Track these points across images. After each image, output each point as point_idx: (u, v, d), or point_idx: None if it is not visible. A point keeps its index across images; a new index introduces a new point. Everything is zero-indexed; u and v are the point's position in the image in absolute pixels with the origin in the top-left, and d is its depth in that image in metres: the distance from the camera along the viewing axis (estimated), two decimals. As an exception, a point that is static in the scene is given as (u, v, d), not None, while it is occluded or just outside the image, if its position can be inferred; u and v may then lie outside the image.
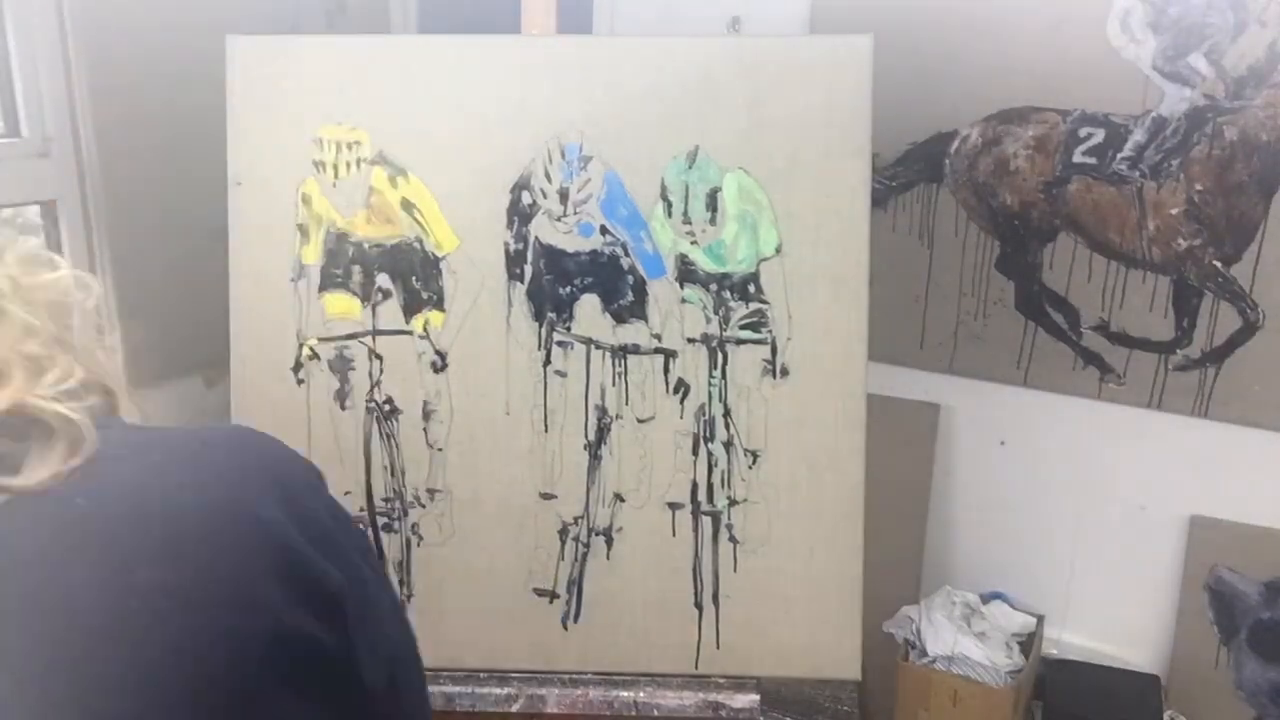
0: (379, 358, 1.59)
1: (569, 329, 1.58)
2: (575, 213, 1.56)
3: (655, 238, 1.55)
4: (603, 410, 1.58)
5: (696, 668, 1.62)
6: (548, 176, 1.56)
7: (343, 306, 1.60)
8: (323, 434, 1.61)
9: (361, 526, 1.60)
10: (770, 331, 1.55)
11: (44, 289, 0.64)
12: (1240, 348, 1.88)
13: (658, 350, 1.56)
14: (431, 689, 1.51)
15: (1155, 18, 1.83)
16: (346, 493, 1.61)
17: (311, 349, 1.60)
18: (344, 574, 0.63)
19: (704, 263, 1.55)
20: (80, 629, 0.53)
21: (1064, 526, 2.14)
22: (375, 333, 1.59)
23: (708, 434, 1.57)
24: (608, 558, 1.60)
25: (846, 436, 1.56)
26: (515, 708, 1.59)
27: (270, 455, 0.66)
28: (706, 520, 1.59)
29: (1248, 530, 1.94)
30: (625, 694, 1.59)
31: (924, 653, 2.05)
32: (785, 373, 1.56)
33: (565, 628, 1.62)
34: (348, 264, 1.59)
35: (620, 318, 1.56)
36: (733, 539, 1.59)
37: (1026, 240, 2.03)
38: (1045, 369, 2.07)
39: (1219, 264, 1.87)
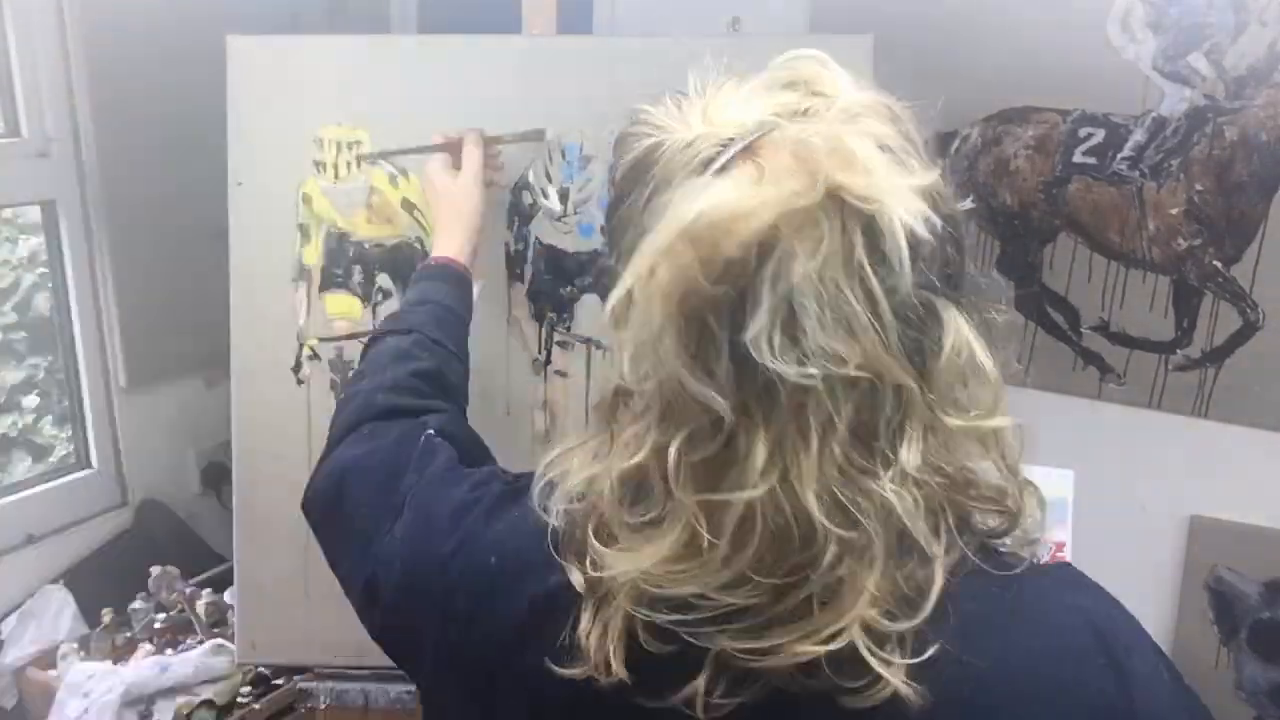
0: (379, 358, 1.59)
1: (569, 329, 1.58)
2: (576, 213, 1.56)
3: (655, 238, 1.54)
4: (603, 410, 1.58)
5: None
6: (548, 176, 1.56)
7: (343, 306, 1.60)
8: (323, 434, 1.59)
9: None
10: (770, 331, 1.55)
11: None
12: (1240, 348, 1.88)
13: (658, 350, 1.56)
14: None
15: (1155, 18, 1.83)
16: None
17: (312, 349, 1.60)
18: None
19: (704, 263, 1.54)
20: None
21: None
22: (375, 333, 1.59)
23: (708, 434, 1.57)
24: (608, 558, 1.60)
25: (847, 436, 1.55)
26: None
27: None
28: (707, 520, 1.59)
29: (1248, 530, 1.94)
30: (625, 694, 1.59)
31: (924, 653, 2.05)
32: (785, 373, 1.55)
33: (565, 628, 1.62)
34: (348, 264, 1.58)
35: (621, 318, 1.56)
36: (733, 539, 1.59)
37: (1026, 240, 2.03)
38: (1045, 369, 2.07)
39: (1219, 264, 1.87)
